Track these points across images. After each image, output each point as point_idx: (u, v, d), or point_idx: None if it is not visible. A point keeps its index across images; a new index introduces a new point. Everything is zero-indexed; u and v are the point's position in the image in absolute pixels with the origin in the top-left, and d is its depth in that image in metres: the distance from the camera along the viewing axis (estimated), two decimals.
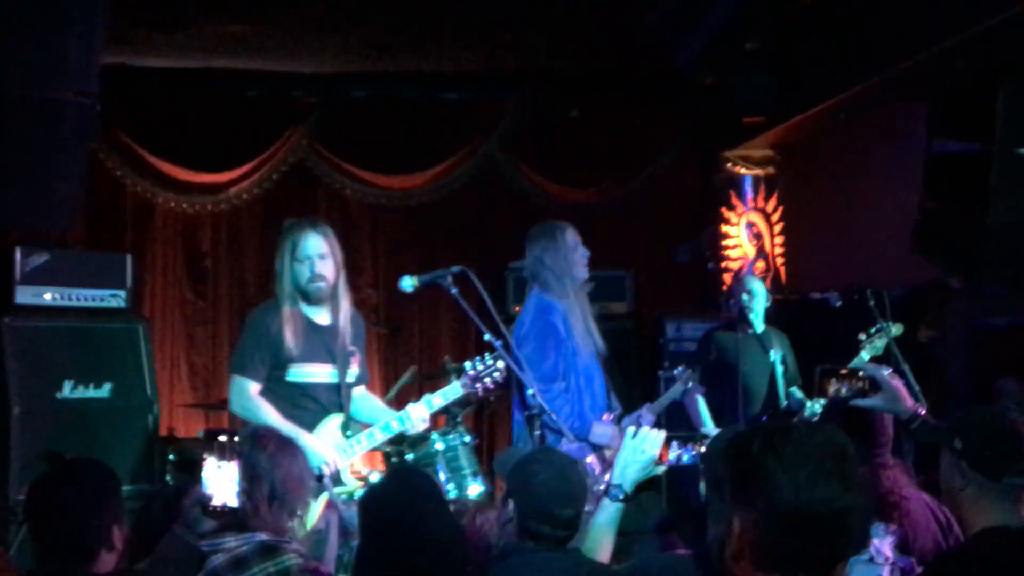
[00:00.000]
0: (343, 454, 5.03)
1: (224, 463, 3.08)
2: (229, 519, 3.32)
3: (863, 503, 2.26)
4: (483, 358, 5.22)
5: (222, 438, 3.11)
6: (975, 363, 7.65)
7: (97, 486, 3.24)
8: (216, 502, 3.11)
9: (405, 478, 3.48)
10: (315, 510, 4.83)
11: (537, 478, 3.35)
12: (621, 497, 3.66)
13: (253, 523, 3.28)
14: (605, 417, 5.68)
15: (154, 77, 8.77)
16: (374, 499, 3.34)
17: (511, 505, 3.39)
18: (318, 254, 5.10)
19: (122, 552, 3.20)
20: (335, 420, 5.10)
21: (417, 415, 5.15)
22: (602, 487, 3.84)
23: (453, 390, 5.23)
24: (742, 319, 6.86)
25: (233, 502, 3.13)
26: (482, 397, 5.48)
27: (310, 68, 9.05)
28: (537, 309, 5.71)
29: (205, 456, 3.09)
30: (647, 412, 5.71)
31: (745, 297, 6.95)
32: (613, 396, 5.88)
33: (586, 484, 3.54)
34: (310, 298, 5.13)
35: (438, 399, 5.22)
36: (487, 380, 5.22)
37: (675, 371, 6.46)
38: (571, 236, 5.78)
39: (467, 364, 5.25)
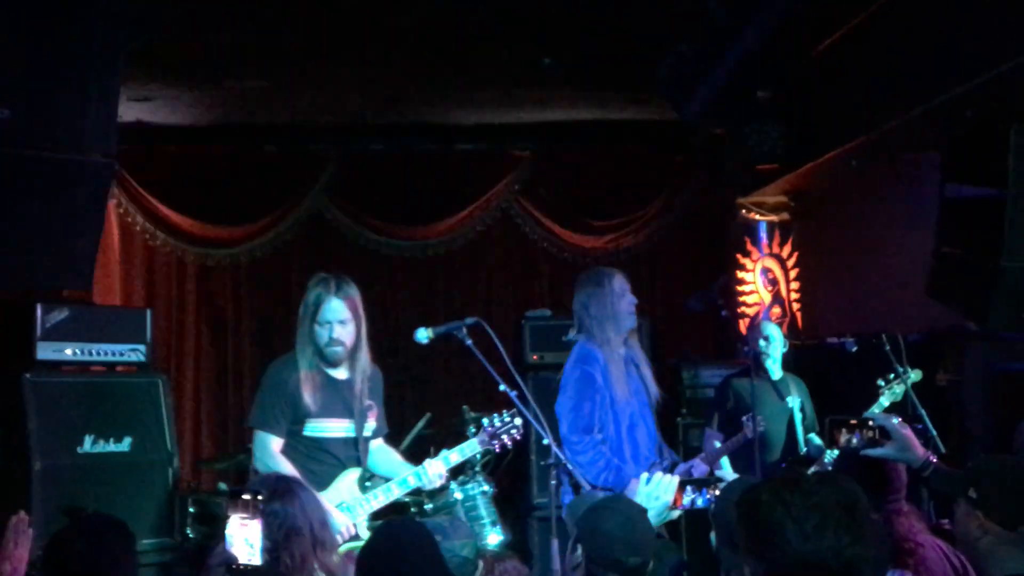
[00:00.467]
0: (361, 508, 5.06)
1: (249, 520, 3.09)
2: (268, 565, 3.36)
3: (874, 554, 2.27)
4: (501, 414, 5.25)
5: (246, 496, 3.12)
6: (993, 407, 7.61)
7: (112, 541, 3.28)
8: (241, 561, 3.11)
9: (394, 531, 3.48)
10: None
11: (605, 525, 3.38)
12: None
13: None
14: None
15: (172, 132, 8.87)
16: (365, 555, 3.36)
17: (579, 551, 3.41)
18: (338, 319, 5.14)
19: None
20: (352, 474, 5.13)
21: (434, 471, 5.17)
22: None
23: (471, 447, 5.26)
24: (758, 365, 6.85)
25: (257, 561, 3.13)
26: (499, 453, 5.50)
27: (327, 121, 9.14)
28: (576, 358, 5.68)
29: (229, 513, 3.10)
30: (701, 463, 5.68)
31: (762, 343, 6.96)
32: (664, 447, 5.85)
33: (654, 533, 3.55)
34: (327, 360, 5.18)
35: (455, 455, 5.25)
36: (504, 437, 5.26)
37: (743, 419, 6.46)
38: (618, 283, 5.73)
39: (485, 420, 5.28)
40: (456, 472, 6.79)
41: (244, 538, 3.01)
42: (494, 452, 5.40)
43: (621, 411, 5.61)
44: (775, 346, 7.02)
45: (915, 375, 6.67)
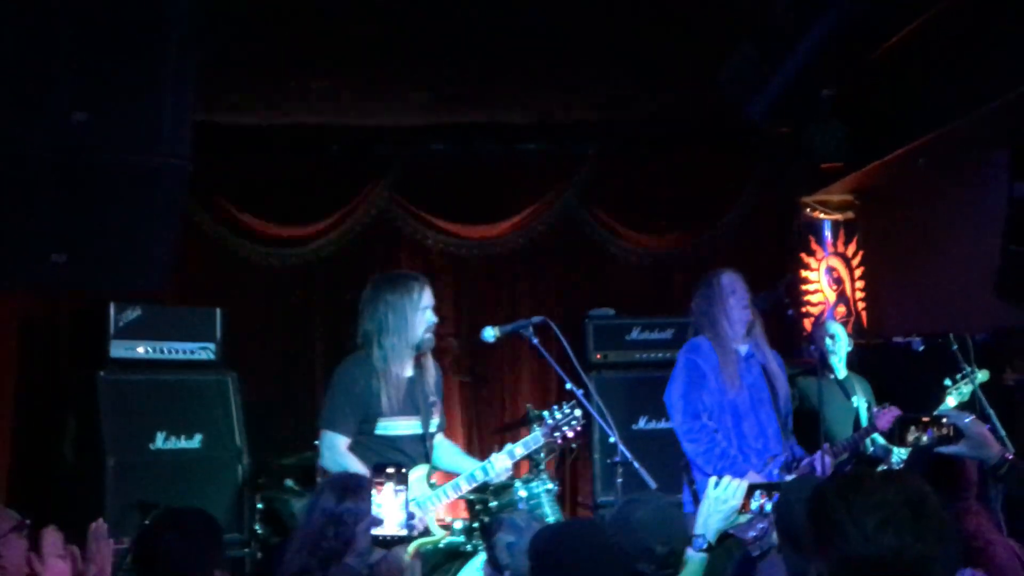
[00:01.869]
0: (431, 504, 5.12)
1: (401, 489, 3.16)
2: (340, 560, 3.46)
3: (943, 553, 2.26)
4: (561, 407, 5.31)
5: (390, 469, 3.20)
6: None
7: (201, 533, 3.37)
8: (384, 531, 3.18)
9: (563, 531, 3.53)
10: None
11: (635, 515, 3.46)
12: (704, 547, 3.65)
13: None
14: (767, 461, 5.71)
15: (240, 134, 8.96)
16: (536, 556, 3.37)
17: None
18: (433, 306, 5.29)
19: None
20: (421, 471, 5.19)
21: (501, 464, 5.23)
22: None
23: (535, 439, 5.31)
24: (824, 364, 6.82)
25: (404, 527, 3.19)
26: (562, 445, 5.55)
27: (391, 122, 9.20)
28: (684, 349, 5.92)
29: (377, 484, 3.16)
30: (826, 455, 5.69)
31: (828, 342, 6.93)
32: (784, 440, 5.89)
33: (686, 526, 3.60)
34: (421, 348, 5.25)
35: (520, 449, 5.30)
36: (566, 429, 5.30)
37: (873, 409, 6.45)
38: (727, 280, 5.90)
39: (545, 413, 5.34)
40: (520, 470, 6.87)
41: (399, 505, 3.09)
42: (558, 449, 5.44)
43: (729, 402, 5.72)
44: (840, 345, 6.99)
45: (983, 375, 6.62)
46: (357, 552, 3.17)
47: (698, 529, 3.70)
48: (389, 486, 3.11)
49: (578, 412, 5.28)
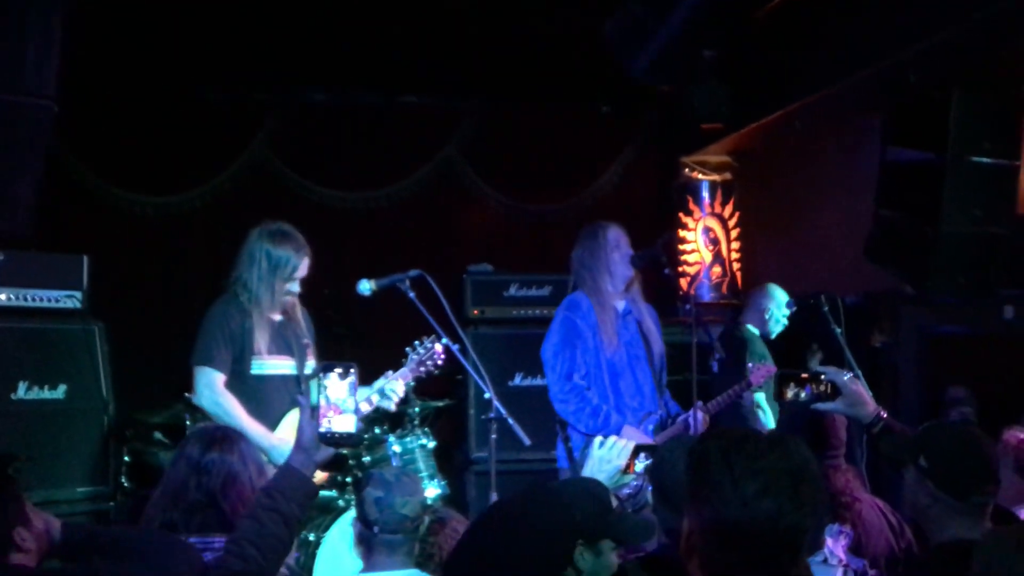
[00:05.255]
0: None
1: (349, 377, 2.92)
2: (209, 515, 3.32)
3: (815, 523, 2.25)
4: (422, 342, 5.30)
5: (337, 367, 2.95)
6: (926, 370, 7.74)
7: None
8: (334, 427, 2.93)
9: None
10: None
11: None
12: None
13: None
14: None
15: (113, 78, 8.70)
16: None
17: None
18: (302, 277, 5.27)
19: (41, 550, 3.15)
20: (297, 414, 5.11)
21: (399, 388, 5.25)
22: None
23: (402, 373, 5.30)
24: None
25: (350, 429, 2.94)
26: (425, 378, 5.52)
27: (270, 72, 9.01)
28: (562, 306, 5.84)
29: (323, 378, 2.91)
30: (700, 411, 5.69)
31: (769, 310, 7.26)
32: (659, 397, 5.87)
33: None
34: (275, 308, 5.19)
35: (399, 381, 5.28)
36: (429, 363, 5.31)
37: (748, 365, 6.49)
38: (612, 235, 5.83)
39: (408, 349, 5.33)
40: (394, 425, 6.81)
41: (346, 391, 2.89)
42: (422, 377, 5.41)
43: (606, 360, 5.69)
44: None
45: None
46: (303, 447, 2.96)
47: None
48: (335, 373, 2.91)
49: (438, 347, 5.26)
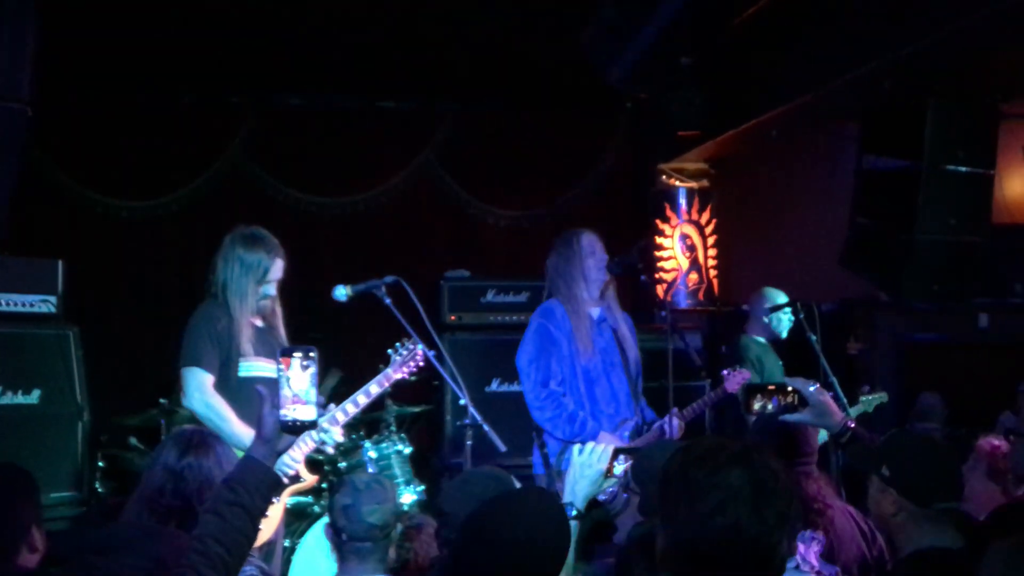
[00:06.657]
0: (297, 448, 5.01)
1: (309, 365, 2.89)
2: (184, 520, 3.30)
3: (786, 533, 2.23)
4: (403, 343, 5.28)
5: (296, 351, 2.93)
6: (901, 377, 7.78)
7: (12, 487, 3.20)
8: (294, 415, 2.89)
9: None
10: (272, 521, 4.84)
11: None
12: (574, 514, 3.58)
13: None
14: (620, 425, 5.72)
15: (87, 82, 8.66)
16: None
17: None
18: (278, 278, 5.24)
19: (43, 554, 3.15)
20: None
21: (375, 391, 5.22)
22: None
23: (385, 375, 5.27)
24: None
25: (310, 416, 2.93)
26: (407, 380, 5.50)
27: (246, 76, 8.99)
28: (537, 314, 5.84)
29: (285, 357, 2.89)
30: (675, 417, 5.67)
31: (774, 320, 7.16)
32: (634, 404, 5.86)
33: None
34: (254, 311, 5.18)
35: (375, 386, 5.24)
36: (411, 364, 5.29)
37: (724, 372, 6.46)
38: (587, 241, 5.83)
39: (389, 351, 5.31)
40: (370, 431, 6.80)
41: (308, 382, 2.86)
42: (404, 379, 5.39)
43: (581, 367, 5.70)
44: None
45: (879, 398, 6.77)
46: (264, 439, 2.94)
47: (567, 497, 3.64)
48: (296, 360, 2.88)
49: (418, 348, 5.24)
